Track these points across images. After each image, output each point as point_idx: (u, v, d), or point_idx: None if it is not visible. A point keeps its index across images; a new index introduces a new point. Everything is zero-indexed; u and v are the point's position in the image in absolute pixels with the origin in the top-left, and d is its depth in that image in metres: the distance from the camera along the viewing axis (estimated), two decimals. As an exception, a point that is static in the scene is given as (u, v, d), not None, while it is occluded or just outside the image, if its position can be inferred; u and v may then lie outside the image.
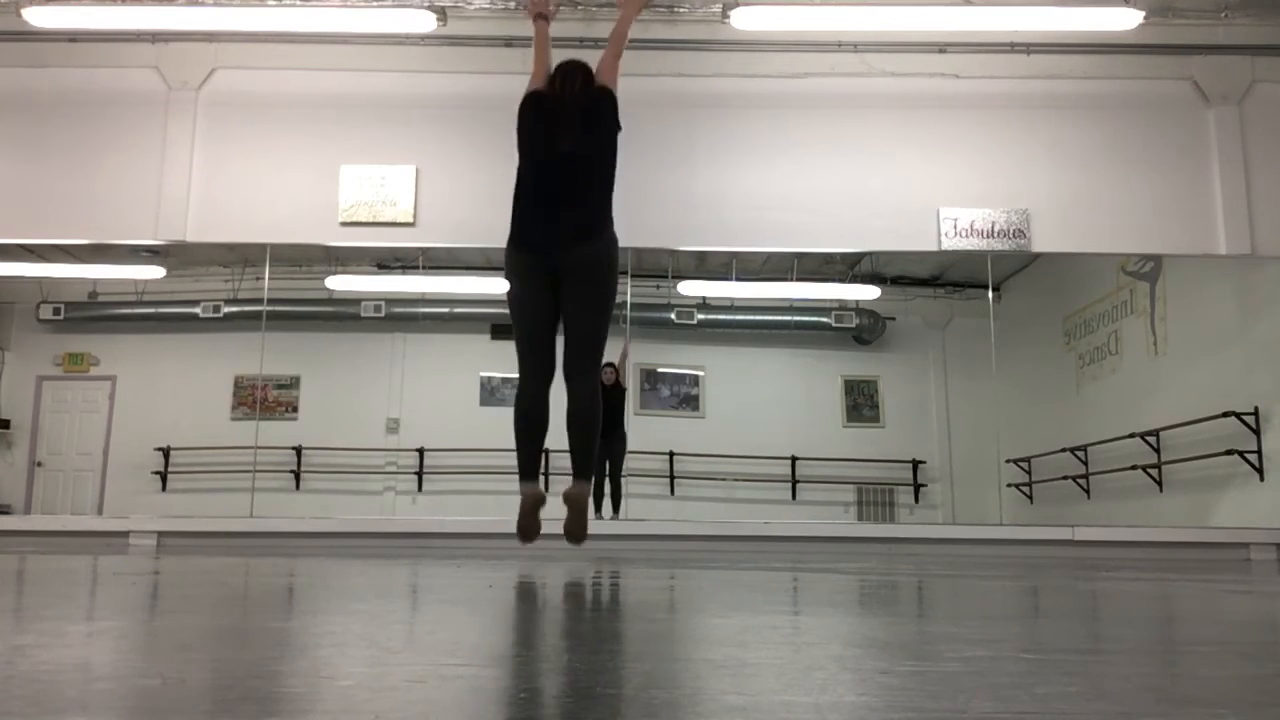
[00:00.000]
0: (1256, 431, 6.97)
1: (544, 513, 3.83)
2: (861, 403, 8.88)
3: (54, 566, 3.29)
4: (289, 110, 7.41)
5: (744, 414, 8.78)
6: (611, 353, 7.20)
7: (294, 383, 8.63)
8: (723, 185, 7.30)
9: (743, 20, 6.74)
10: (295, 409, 8.61)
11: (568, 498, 3.70)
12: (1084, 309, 8.55)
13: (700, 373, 8.93)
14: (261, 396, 8.45)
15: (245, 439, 7.95)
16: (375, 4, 7.10)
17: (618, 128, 4.01)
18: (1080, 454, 8.19)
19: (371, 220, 7.26)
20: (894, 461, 8.76)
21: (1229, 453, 7.00)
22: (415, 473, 8.53)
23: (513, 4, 7.33)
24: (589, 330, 3.83)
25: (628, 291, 7.53)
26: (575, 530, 3.71)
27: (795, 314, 9.03)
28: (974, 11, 6.82)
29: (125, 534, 6.41)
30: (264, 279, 7.72)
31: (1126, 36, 7.09)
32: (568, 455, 3.89)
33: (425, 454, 8.52)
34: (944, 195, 7.28)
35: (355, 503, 8.42)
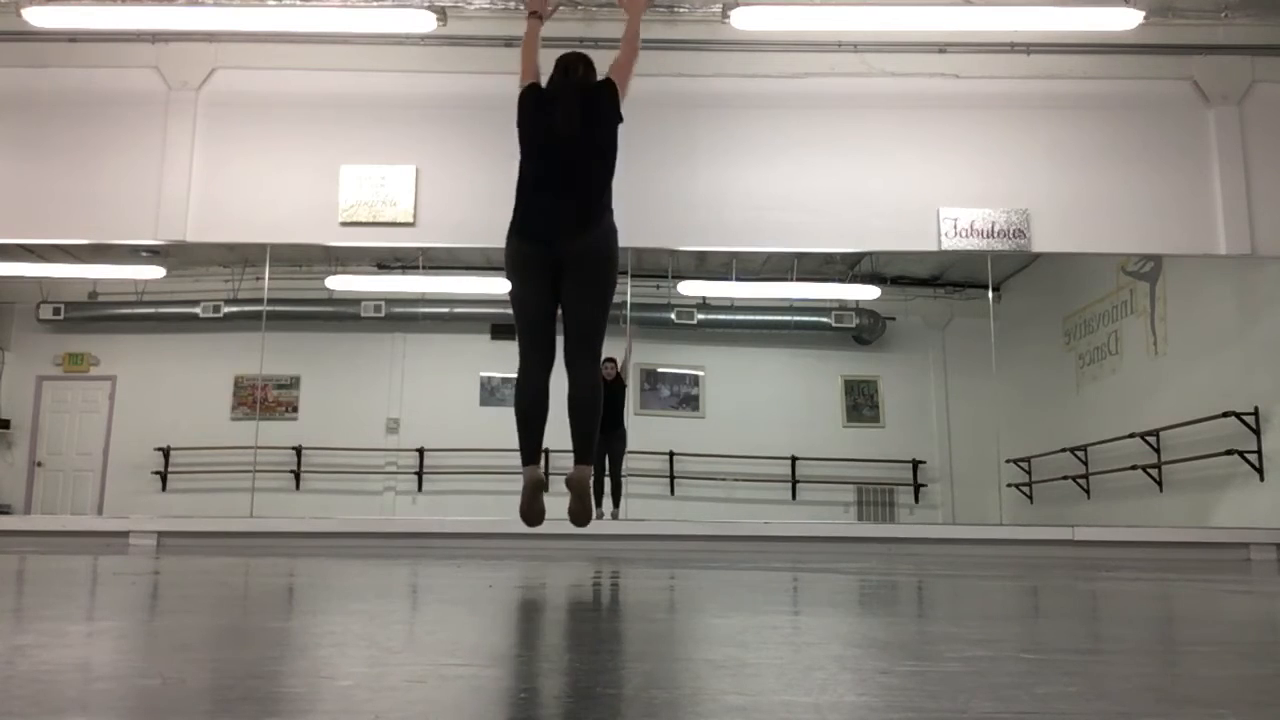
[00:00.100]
0: (1256, 431, 6.97)
1: (546, 500, 3.87)
2: (861, 403, 8.88)
3: (54, 566, 3.29)
4: (289, 110, 7.41)
5: (744, 414, 8.78)
6: (615, 350, 7.21)
7: (294, 383, 8.63)
8: (723, 185, 7.30)
9: (743, 20, 6.74)
10: (295, 409, 8.61)
11: (570, 482, 3.72)
12: (1084, 309, 8.55)
13: (700, 373, 8.93)
14: (261, 396, 8.45)
15: (245, 439, 7.95)
16: (375, 4, 7.10)
17: (618, 119, 4.03)
18: (1080, 454, 8.19)
19: (371, 220, 7.26)
20: (894, 461, 8.76)
21: (1229, 453, 7.00)
22: (415, 473, 8.53)
23: (513, 4, 7.32)
24: (589, 320, 3.86)
25: (628, 291, 7.53)
26: (579, 512, 3.72)
27: (795, 314, 9.04)
28: (974, 11, 6.82)
29: (125, 534, 6.41)
30: (264, 279, 7.72)
31: (1126, 36, 7.08)
32: (567, 454, 3.92)
33: (425, 454, 8.52)
34: (944, 195, 7.28)
35: (355, 503, 8.42)
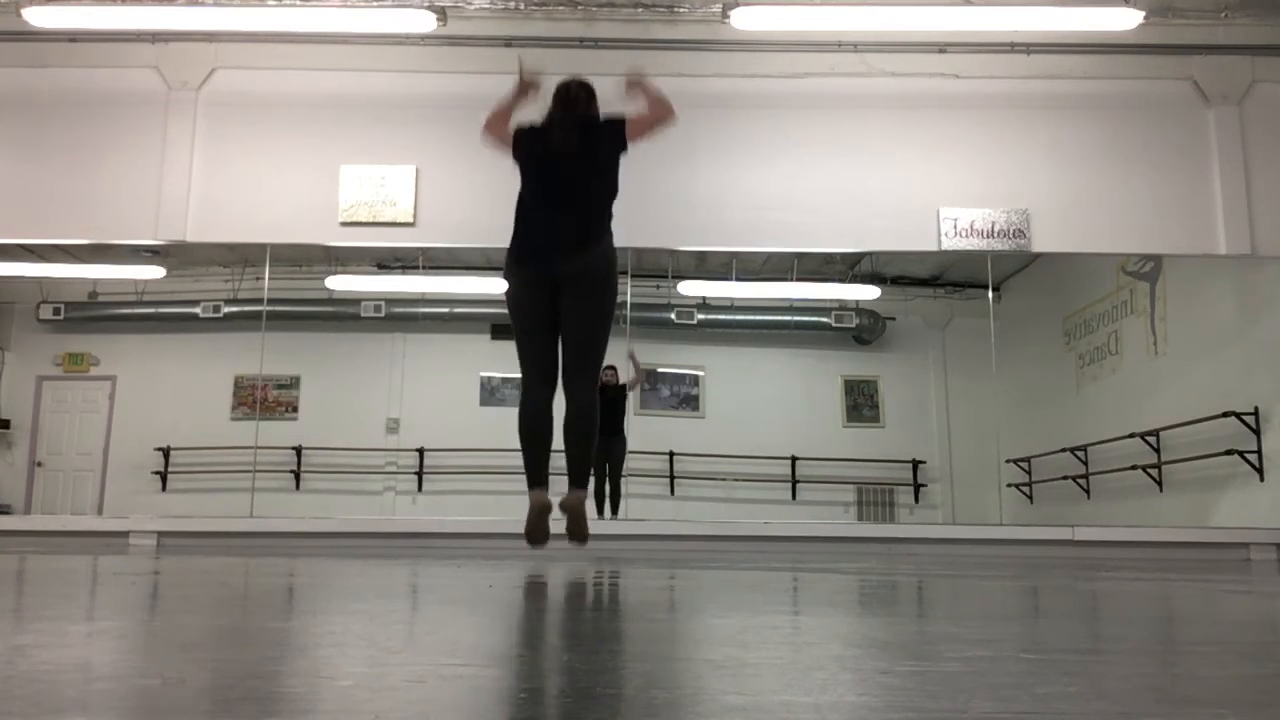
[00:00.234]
0: (1256, 431, 6.97)
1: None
2: (861, 403, 8.88)
3: (54, 566, 3.29)
4: (289, 110, 7.41)
5: (744, 414, 8.78)
6: (616, 356, 7.21)
7: (294, 383, 8.63)
8: (723, 185, 7.30)
9: (743, 20, 6.74)
10: (295, 409, 8.61)
11: (565, 506, 3.77)
12: (1084, 309, 8.55)
13: (700, 373, 8.93)
14: (261, 396, 8.45)
15: (245, 439, 7.95)
16: (375, 4, 7.10)
17: (621, 147, 3.96)
18: (1080, 454, 8.19)
19: (371, 220, 7.26)
20: (894, 461, 8.76)
21: (1229, 453, 7.00)
22: (415, 473, 8.53)
23: (513, 3, 7.32)
24: (587, 340, 3.87)
25: (628, 291, 7.53)
26: (576, 532, 3.78)
27: (795, 314, 9.04)
28: (974, 11, 6.82)
29: (125, 534, 6.41)
30: (264, 279, 7.72)
31: (1126, 36, 7.08)
32: (563, 473, 3.95)
33: (425, 454, 8.52)
34: (944, 195, 7.28)
35: (355, 503, 8.42)
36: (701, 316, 8.88)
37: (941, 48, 7.36)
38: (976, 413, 7.88)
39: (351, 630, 1.57)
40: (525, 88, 4.14)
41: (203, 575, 3.01)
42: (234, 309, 8.59)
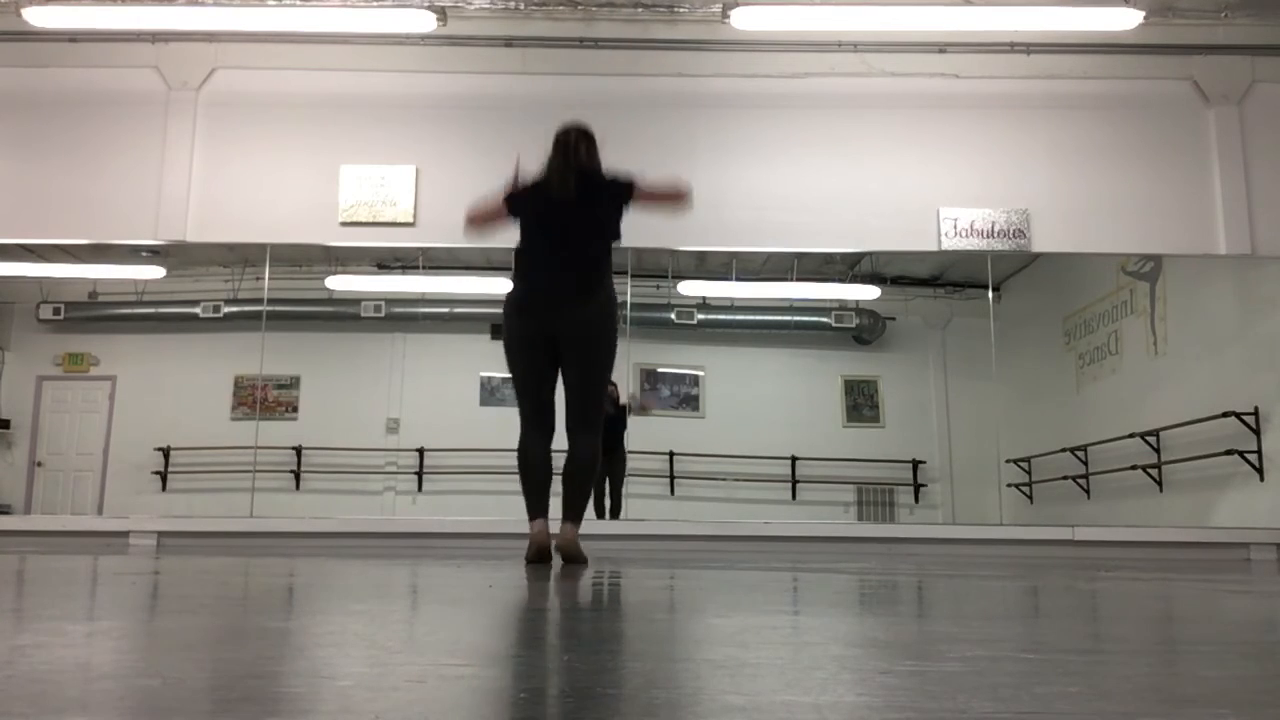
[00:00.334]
0: (1256, 431, 6.97)
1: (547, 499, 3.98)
2: (861, 403, 8.87)
3: (54, 566, 3.29)
4: (289, 110, 7.41)
5: (744, 414, 8.77)
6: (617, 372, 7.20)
7: (294, 383, 8.63)
8: (723, 185, 7.30)
9: (743, 20, 6.74)
10: (295, 409, 8.61)
11: (559, 548, 3.83)
12: (1084, 309, 8.55)
13: (700, 373, 8.92)
14: (261, 396, 8.45)
15: (245, 439, 7.95)
16: (375, 4, 7.10)
17: (624, 204, 3.95)
18: (1080, 454, 8.18)
19: (371, 220, 7.26)
20: (894, 461, 8.76)
21: (1229, 453, 7.00)
22: (415, 473, 8.53)
23: (513, 3, 7.32)
24: (587, 395, 3.94)
25: (627, 292, 7.52)
26: (572, 562, 3.85)
27: (795, 314, 9.03)
28: (974, 11, 6.82)
29: (125, 534, 6.41)
30: (264, 279, 7.72)
31: (1126, 36, 7.09)
32: (562, 495, 4.00)
33: (425, 454, 8.51)
34: (944, 195, 7.28)
35: (355, 503, 8.42)
36: (701, 316, 8.87)
37: (941, 48, 7.36)
38: (976, 413, 7.88)
39: (351, 630, 1.57)
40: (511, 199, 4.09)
41: (203, 575, 3.01)
42: (234, 309, 8.59)
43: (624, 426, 7.66)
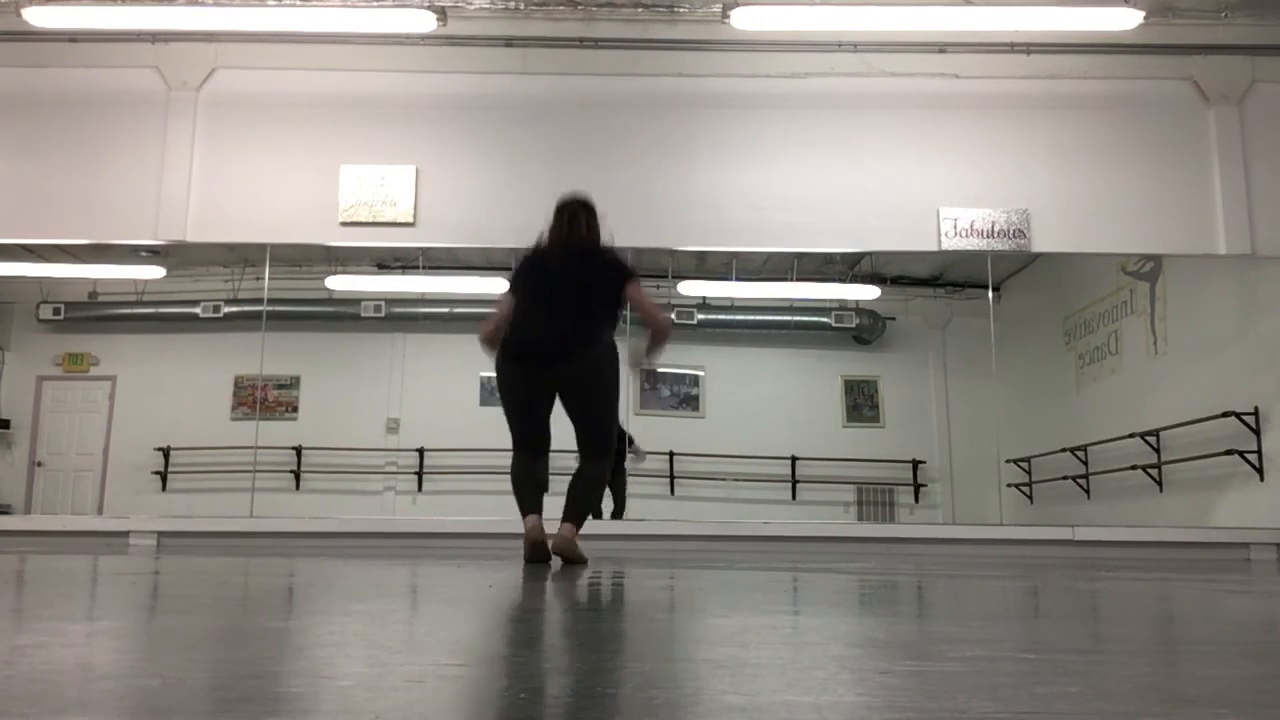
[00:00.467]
0: (1256, 431, 6.97)
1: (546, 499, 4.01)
2: (861, 403, 8.87)
3: (54, 566, 3.29)
4: (289, 110, 7.41)
5: (744, 414, 8.77)
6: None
7: (294, 383, 8.63)
8: (723, 185, 7.30)
9: (743, 20, 6.74)
10: (295, 409, 8.61)
11: (557, 549, 3.85)
12: (1084, 309, 8.55)
13: (700, 373, 8.92)
14: (261, 396, 8.45)
15: (245, 439, 7.95)
16: (375, 4, 7.10)
17: (619, 284, 4.02)
18: (1080, 454, 8.18)
19: (371, 220, 7.26)
20: (894, 461, 8.76)
21: (1229, 453, 6.99)
22: (415, 473, 8.53)
23: (513, 3, 7.32)
24: (595, 430, 4.01)
25: (628, 291, 7.51)
26: (570, 563, 3.86)
27: (795, 314, 9.03)
28: (974, 11, 6.82)
29: (125, 534, 6.41)
30: (264, 279, 7.72)
31: (1126, 36, 7.08)
32: (565, 498, 4.03)
33: (425, 454, 8.51)
34: (944, 195, 7.28)
35: (355, 503, 8.42)
36: (701, 316, 8.87)
37: (941, 48, 7.36)
38: (976, 413, 7.88)
39: (351, 630, 1.57)
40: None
41: (203, 575, 3.01)
42: (234, 309, 8.59)
43: (625, 447, 7.67)
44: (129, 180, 7.28)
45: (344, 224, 7.26)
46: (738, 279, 8.66)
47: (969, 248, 7.24)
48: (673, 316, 4.20)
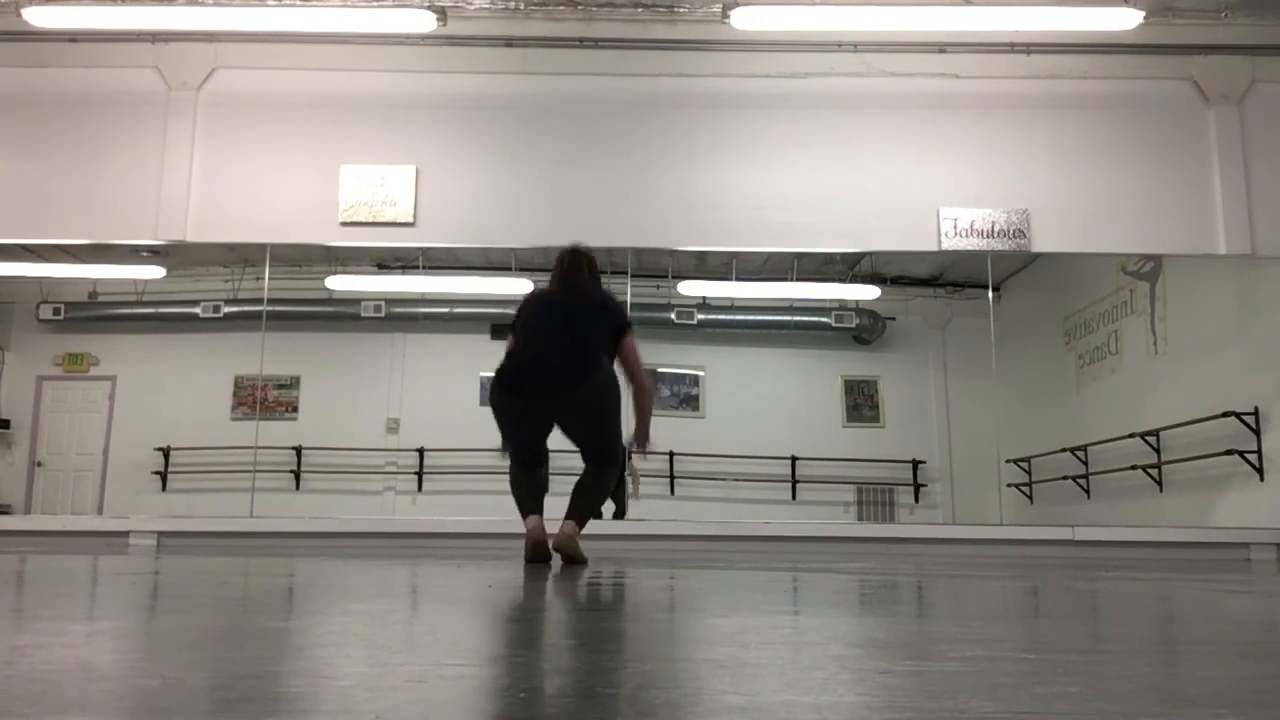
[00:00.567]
0: (1256, 431, 6.97)
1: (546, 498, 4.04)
2: (861, 403, 8.87)
3: (54, 566, 3.29)
4: (289, 110, 7.41)
5: (744, 414, 8.77)
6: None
7: (294, 383, 8.63)
8: (722, 185, 7.30)
9: (743, 20, 6.73)
10: (295, 409, 8.61)
11: (558, 547, 3.87)
12: (1084, 309, 8.55)
13: (700, 373, 8.92)
14: (261, 396, 8.45)
15: (245, 439, 7.94)
16: (375, 4, 7.10)
17: (617, 331, 4.07)
18: (1080, 454, 8.18)
19: (371, 220, 7.26)
20: (894, 461, 8.76)
21: (1229, 453, 6.99)
22: (415, 473, 8.53)
23: (513, 3, 7.33)
24: (600, 446, 4.05)
25: (628, 292, 7.52)
26: (571, 562, 3.87)
27: (795, 314, 9.03)
28: (974, 11, 6.82)
29: (125, 534, 6.42)
30: (264, 279, 7.72)
31: (1126, 36, 7.08)
32: (570, 498, 4.04)
33: (425, 454, 8.52)
34: (944, 195, 7.28)
35: (355, 503, 8.42)
36: (701, 316, 8.87)
37: (941, 48, 7.36)
38: (976, 413, 7.88)
39: (351, 630, 1.57)
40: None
41: (203, 575, 3.01)
42: (234, 309, 8.59)
43: (625, 471, 7.68)
44: (129, 180, 7.28)
45: (344, 224, 7.26)
46: (738, 279, 8.66)
47: (969, 248, 7.24)
48: (656, 384, 4.23)
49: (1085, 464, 8.17)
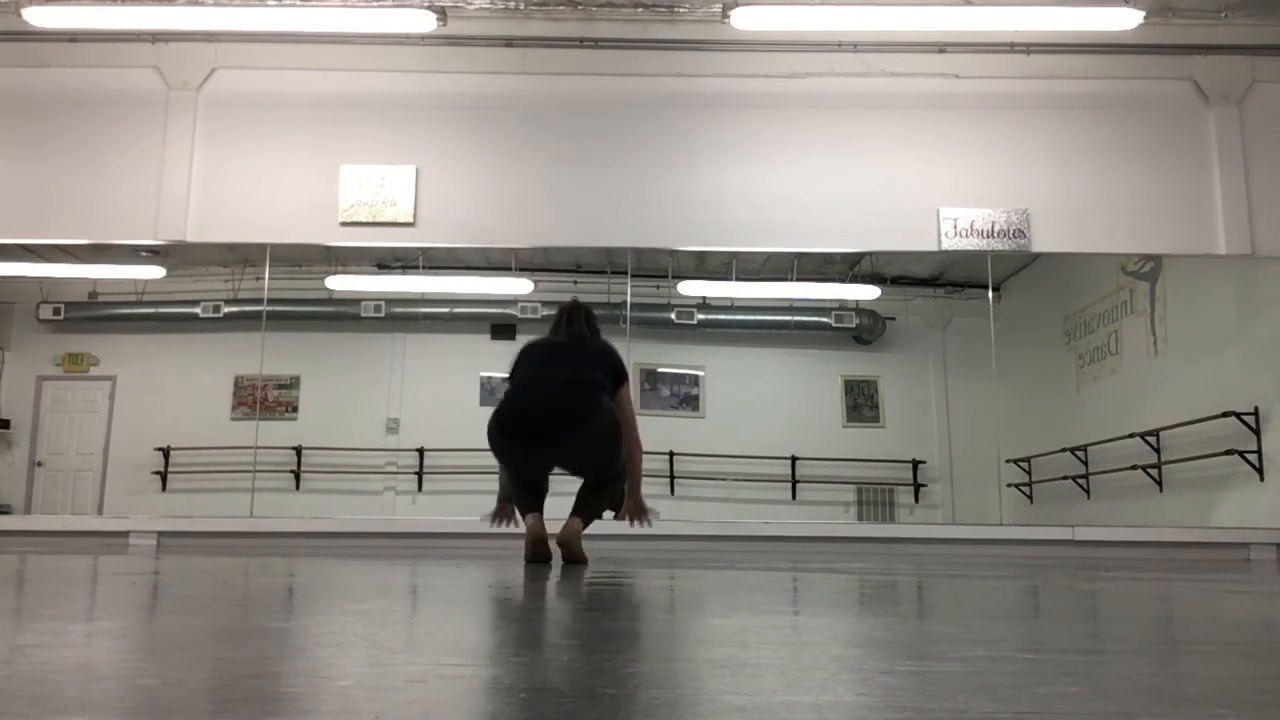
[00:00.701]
0: (1256, 431, 6.97)
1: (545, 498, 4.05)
2: (861, 403, 8.87)
3: (54, 566, 3.29)
4: (289, 110, 7.41)
5: (744, 414, 8.77)
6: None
7: (294, 383, 8.63)
8: (722, 185, 7.30)
9: (743, 20, 6.74)
10: (295, 409, 8.61)
11: (561, 543, 3.86)
12: (1084, 309, 8.55)
13: (700, 373, 8.92)
14: (261, 396, 8.44)
15: (245, 439, 7.94)
16: (375, 4, 7.10)
17: (616, 378, 4.06)
18: (1080, 454, 8.18)
19: (371, 220, 7.26)
20: (894, 461, 8.75)
21: (1229, 453, 6.99)
22: (415, 473, 8.53)
23: (513, 3, 7.33)
24: (602, 479, 4.04)
25: (627, 291, 7.53)
26: (572, 560, 3.87)
27: (795, 314, 9.03)
28: (974, 11, 6.82)
29: (125, 534, 6.42)
30: (264, 279, 7.72)
31: (1126, 36, 7.08)
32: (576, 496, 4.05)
33: (425, 454, 8.51)
34: (944, 195, 7.28)
35: (355, 503, 8.42)
36: (701, 316, 8.87)
37: (941, 48, 7.36)
38: (976, 413, 7.88)
39: (351, 630, 1.57)
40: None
41: (203, 575, 3.01)
42: (234, 309, 8.59)
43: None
44: (129, 180, 7.28)
45: (344, 224, 7.26)
46: (738, 279, 8.66)
47: (969, 248, 7.24)
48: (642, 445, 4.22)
49: (1085, 464, 8.17)
